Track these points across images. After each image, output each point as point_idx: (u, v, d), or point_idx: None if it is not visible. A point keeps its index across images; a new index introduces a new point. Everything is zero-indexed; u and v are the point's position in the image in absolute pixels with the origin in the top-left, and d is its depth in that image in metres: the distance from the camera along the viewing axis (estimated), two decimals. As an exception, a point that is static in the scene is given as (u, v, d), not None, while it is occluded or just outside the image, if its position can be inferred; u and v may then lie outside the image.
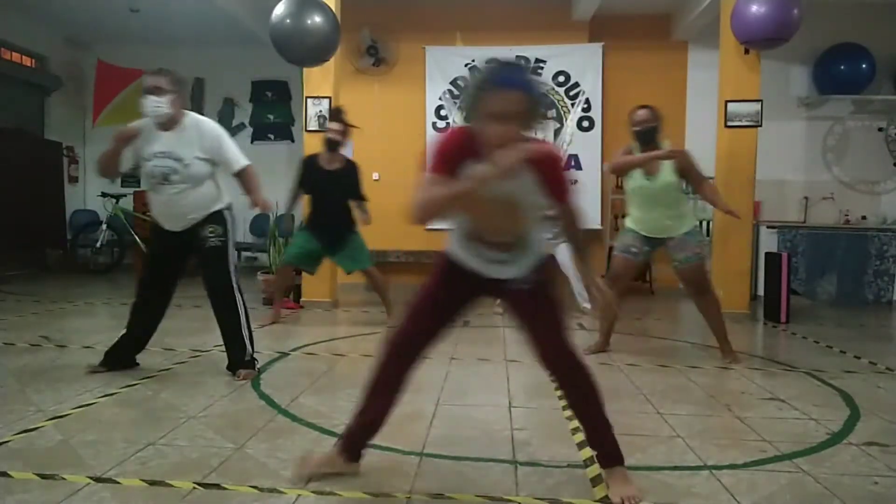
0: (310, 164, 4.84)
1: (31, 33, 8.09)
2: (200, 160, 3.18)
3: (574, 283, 5.64)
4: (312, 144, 5.52)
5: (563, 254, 5.52)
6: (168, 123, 3.14)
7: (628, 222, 3.95)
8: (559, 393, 2.06)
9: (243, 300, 3.35)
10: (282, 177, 7.16)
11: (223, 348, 3.40)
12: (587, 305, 5.67)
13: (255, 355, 3.41)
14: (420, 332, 1.99)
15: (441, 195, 1.72)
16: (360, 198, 4.82)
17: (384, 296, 5.03)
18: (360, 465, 2.08)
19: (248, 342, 3.34)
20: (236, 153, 3.29)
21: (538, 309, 1.98)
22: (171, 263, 3.37)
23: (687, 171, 3.77)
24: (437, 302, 2.01)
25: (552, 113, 7.30)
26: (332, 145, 4.78)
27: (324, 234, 4.81)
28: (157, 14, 7.47)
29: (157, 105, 3.07)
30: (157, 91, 3.07)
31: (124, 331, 3.37)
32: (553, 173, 1.87)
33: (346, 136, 4.86)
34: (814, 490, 2.01)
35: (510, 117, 1.71)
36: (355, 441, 2.06)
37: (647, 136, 3.74)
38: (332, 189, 4.74)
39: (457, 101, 7.34)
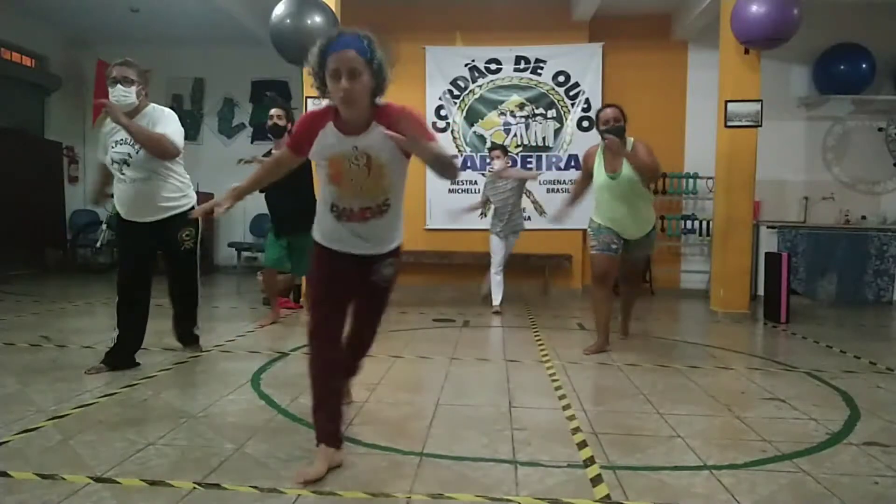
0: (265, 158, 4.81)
1: (31, 33, 8.09)
2: None
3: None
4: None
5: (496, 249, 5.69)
6: (131, 113, 3.21)
7: (597, 218, 3.98)
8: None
9: (199, 285, 3.66)
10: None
11: (223, 348, 3.47)
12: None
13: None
14: (330, 316, 2.11)
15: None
16: (310, 182, 4.64)
17: None
18: (343, 451, 2.13)
19: (198, 320, 3.75)
20: (173, 131, 3.26)
21: (379, 302, 2.31)
22: (145, 256, 3.40)
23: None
24: (327, 288, 2.13)
25: (553, 113, 7.31)
26: (276, 131, 4.66)
27: (280, 228, 4.78)
28: (157, 14, 7.47)
29: (124, 94, 3.17)
30: (125, 81, 3.17)
31: (116, 331, 3.38)
32: (404, 127, 1.90)
33: (290, 119, 4.76)
34: (814, 490, 2.01)
35: (349, 76, 1.81)
36: (329, 432, 2.10)
37: (615, 135, 3.76)
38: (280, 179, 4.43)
39: (455, 100, 7.35)
